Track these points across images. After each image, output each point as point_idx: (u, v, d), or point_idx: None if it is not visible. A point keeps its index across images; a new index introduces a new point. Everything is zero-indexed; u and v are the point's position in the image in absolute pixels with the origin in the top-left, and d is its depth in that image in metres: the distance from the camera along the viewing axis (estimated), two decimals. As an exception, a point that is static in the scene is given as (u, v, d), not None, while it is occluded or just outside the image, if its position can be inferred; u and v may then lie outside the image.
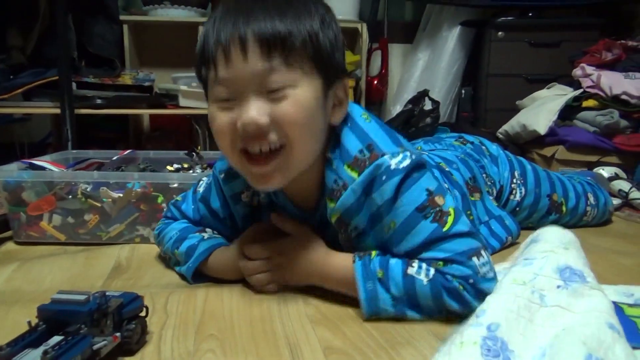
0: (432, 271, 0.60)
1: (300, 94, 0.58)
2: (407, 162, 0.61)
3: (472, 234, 0.61)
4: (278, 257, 0.69)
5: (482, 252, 0.61)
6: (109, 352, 0.50)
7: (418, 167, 0.63)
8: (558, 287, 0.53)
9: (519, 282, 0.55)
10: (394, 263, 0.62)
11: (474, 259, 0.59)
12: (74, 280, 0.77)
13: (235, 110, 0.59)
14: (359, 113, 0.68)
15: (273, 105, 0.58)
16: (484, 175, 0.96)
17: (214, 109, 0.61)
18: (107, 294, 0.53)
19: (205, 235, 0.77)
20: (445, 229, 0.60)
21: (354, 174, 0.62)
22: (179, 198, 0.85)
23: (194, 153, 1.20)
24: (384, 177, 0.61)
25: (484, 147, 1.03)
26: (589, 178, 1.17)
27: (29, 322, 0.49)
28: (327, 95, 0.62)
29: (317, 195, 0.70)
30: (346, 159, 0.64)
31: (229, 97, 0.59)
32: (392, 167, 0.61)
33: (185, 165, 1.16)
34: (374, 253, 0.64)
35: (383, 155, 0.62)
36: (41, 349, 0.45)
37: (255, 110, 0.57)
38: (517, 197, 1.01)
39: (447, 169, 0.88)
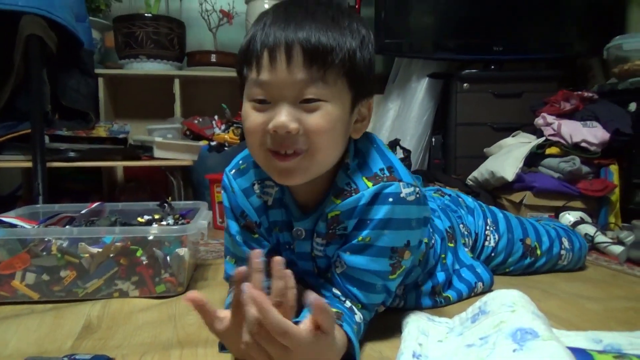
0: (360, 316, 0.69)
1: (331, 108, 0.63)
2: (412, 197, 0.68)
3: (390, 292, 0.73)
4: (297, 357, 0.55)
5: (382, 306, 0.76)
6: (77, 420, 0.48)
7: (425, 221, 0.72)
8: (514, 351, 0.55)
9: None
10: (349, 315, 0.67)
11: (378, 308, 0.74)
12: (42, 342, 0.74)
13: (268, 112, 0.63)
14: (382, 143, 0.75)
15: (304, 113, 0.62)
16: (461, 225, 1.00)
17: (249, 107, 0.65)
18: (76, 357, 0.52)
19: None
20: (390, 277, 0.70)
21: (369, 184, 0.68)
22: (225, 260, 0.83)
23: (165, 204, 1.20)
24: (390, 199, 0.67)
25: (460, 199, 1.08)
26: (565, 225, 1.22)
27: None
28: (353, 110, 0.67)
29: (322, 195, 0.72)
30: (366, 174, 0.70)
31: (265, 99, 0.63)
32: (402, 194, 0.67)
33: (157, 217, 1.15)
34: (339, 312, 0.66)
35: (400, 180, 0.68)
36: None
37: (288, 117, 0.61)
38: (492, 243, 1.05)
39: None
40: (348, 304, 0.69)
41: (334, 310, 0.66)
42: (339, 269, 0.70)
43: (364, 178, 0.69)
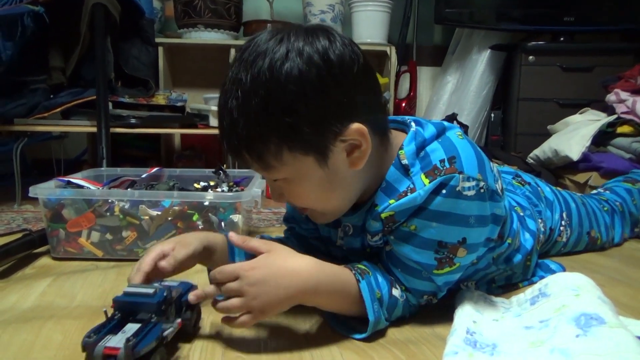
0: (400, 292, 0.66)
1: (297, 181, 0.62)
2: (471, 192, 0.62)
3: (440, 287, 0.67)
4: (252, 272, 0.57)
5: (433, 297, 0.69)
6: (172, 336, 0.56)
7: (494, 219, 0.67)
8: (577, 336, 0.52)
9: (537, 345, 0.55)
10: (382, 281, 0.65)
11: (425, 297, 0.68)
12: (106, 296, 0.79)
13: None
14: (454, 132, 0.67)
15: (285, 185, 0.64)
16: (540, 220, 0.93)
17: None
18: (168, 284, 0.59)
19: None
20: (435, 271, 0.65)
21: (426, 182, 0.62)
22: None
23: (220, 171, 1.22)
24: (443, 191, 0.61)
25: (539, 189, 0.99)
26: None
27: (105, 312, 0.55)
28: (326, 162, 0.60)
29: (372, 192, 0.68)
30: (426, 169, 0.63)
31: None
32: (458, 188, 0.61)
33: (212, 183, 1.18)
34: (367, 270, 0.65)
35: (461, 172, 0.61)
36: (121, 336, 0.50)
37: (273, 194, 0.67)
38: (564, 239, 1.01)
39: (521, 214, 0.86)
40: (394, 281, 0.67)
41: (361, 267, 0.65)
42: (387, 247, 0.68)
43: (422, 175, 0.63)
